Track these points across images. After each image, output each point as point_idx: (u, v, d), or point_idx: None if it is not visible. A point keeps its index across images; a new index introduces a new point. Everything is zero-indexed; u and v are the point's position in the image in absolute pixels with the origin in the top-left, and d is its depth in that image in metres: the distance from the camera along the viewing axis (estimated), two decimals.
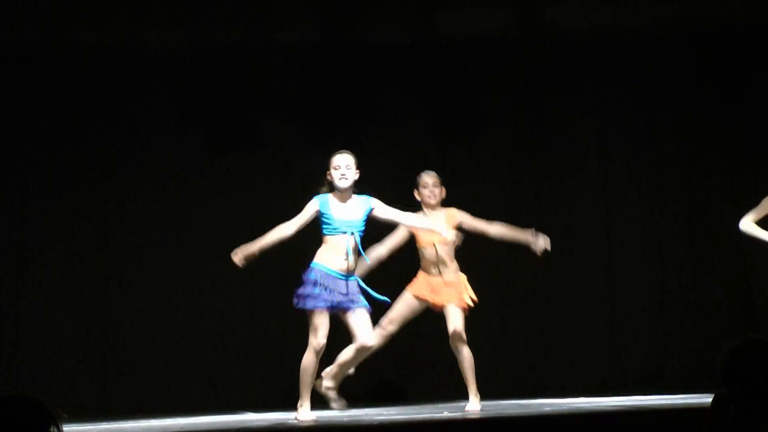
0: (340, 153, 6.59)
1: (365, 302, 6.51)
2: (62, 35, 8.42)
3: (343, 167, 6.53)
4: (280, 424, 6.51)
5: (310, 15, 8.68)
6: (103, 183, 8.63)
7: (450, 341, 6.92)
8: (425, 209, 7.07)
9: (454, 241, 6.98)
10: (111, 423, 7.26)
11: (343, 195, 6.52)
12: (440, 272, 7.02)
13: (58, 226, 8.55)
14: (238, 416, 7.47)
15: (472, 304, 6.99)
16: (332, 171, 6.53)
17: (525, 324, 8.76)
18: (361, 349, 6.48)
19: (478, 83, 8.90)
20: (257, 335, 8.64)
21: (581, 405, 7.07)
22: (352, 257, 6.44)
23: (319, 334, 6.37)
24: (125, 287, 8.60)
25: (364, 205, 6.55)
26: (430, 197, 7.05)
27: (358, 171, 6.57)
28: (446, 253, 7.02)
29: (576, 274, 8.90)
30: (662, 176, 8.95)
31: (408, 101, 8.89)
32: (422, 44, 8.84)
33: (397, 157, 8.76)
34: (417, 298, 7.05)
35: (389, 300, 6.76)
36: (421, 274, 7.09)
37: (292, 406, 7.42)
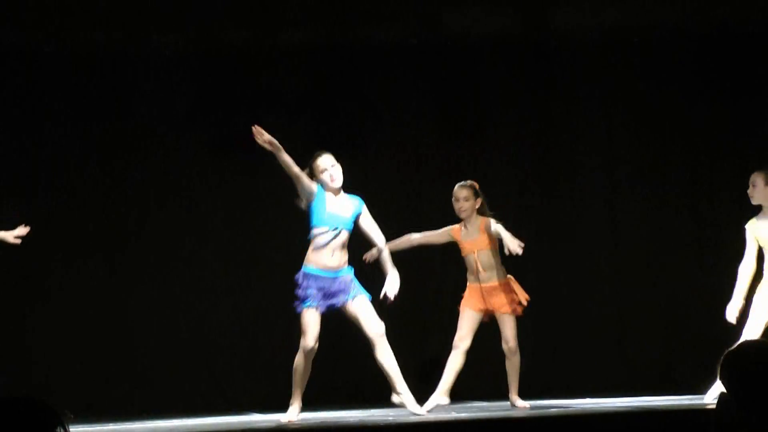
0: (326, 154, 6.66)
1: (363, 291, 6.56)
2: (67, 37, 8.43)
3: (330, 167, 6.61)
4: (286, 425, 6.51)
5: (315, 15, 8.69)
6: (109, 184, 8.65)
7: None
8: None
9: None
10: (118, 424, 7.27)
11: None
12: (479, 279, 7.16)
13: (63, 227, 8.56)
14: (245, 417, 7.48)
15: (524, 304, 7.15)
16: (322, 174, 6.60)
17: (533, 325, 8.75)
18: (376, 338, 6.50)
19: (484, 84, 8.90)
20: (264, 335, 8.64)
21: (589, 406, 7.06)
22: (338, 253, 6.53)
23: (308, 336, 6.46)
24: (131, 287, 8.61)
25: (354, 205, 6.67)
26: (458, 212, 7.23)
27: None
28: (487, 259, 7.15)
29: (583, 274, 8.90)
30: (669, 178, 8.94)
31: (413, 102, 8.89)
32: (428, 45, 8.83)
33: (402, 158, 8.77)
34: (473, 310, 7.18)
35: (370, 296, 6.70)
36: (469, 285, 7.26)
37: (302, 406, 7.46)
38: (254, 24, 8.59)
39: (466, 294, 7.28)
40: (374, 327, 6.51)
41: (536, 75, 8.93)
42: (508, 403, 7.27)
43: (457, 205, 7.22)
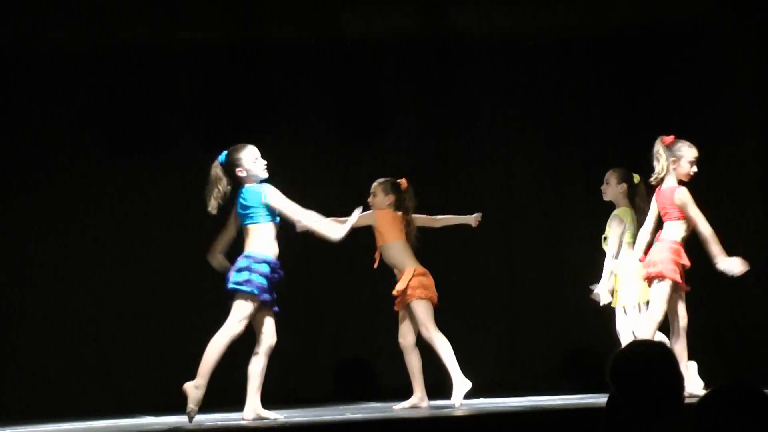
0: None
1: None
2: None
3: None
4: (178, 427, 6.45)
5: (212, 14, 8.64)
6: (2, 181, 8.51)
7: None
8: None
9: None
10: (6, 429, 7.14)
11: None
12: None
13: None
14: (137, 420, 7.39)
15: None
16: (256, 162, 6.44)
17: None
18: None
19: (382, 84, 8.94)
20: (158, 337, 8.55)
21: (477, 405, 7.11)
22: None
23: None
24: (23, 287, 8.48)
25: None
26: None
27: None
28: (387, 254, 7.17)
29: (476, 274, 8.97)
30: (564, 178, 9.06)
31: (311, 102, 8.88)
32: (326, 44, 8.84)
33: (299, 158, 8.75)
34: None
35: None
36: None
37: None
38: (151, 23, 8.51)
39: None
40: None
41: (434, 76, 8.98)
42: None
43: (369, 201, 7.25)
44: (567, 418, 5.98)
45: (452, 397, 6.99)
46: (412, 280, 7.08)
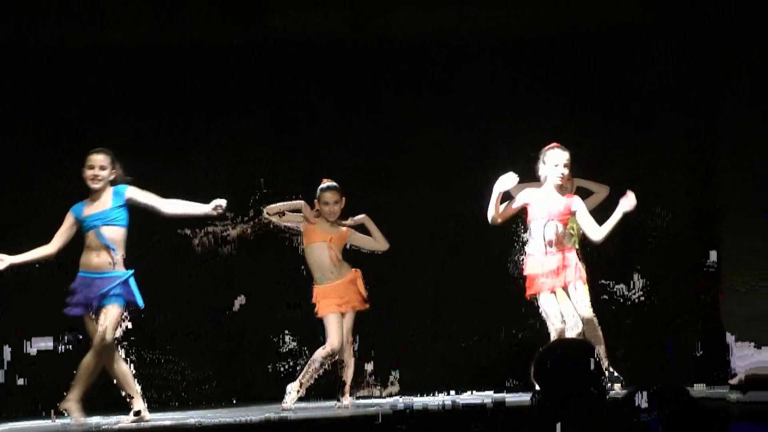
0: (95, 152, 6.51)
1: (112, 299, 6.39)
2: None
3: (97, 167, 6.45)
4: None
5: (139, 14, 8.60)
6: None
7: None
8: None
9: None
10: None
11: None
12: (331, 277, 7.24)
13: None
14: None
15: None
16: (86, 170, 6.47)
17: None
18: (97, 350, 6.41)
19: (312, 85, 8.93)
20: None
21: (406, 403, 7.11)
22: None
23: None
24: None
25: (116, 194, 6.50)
26: (329, 215, 7.26)
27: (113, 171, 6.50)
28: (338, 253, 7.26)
29: (405, 273, 8.98)
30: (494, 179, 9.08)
31: (240, 102, 8.84)
32: (254, 45, 8.82)
33: (231, 158, 8.72)
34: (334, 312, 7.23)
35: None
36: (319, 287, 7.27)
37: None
38: (78, 20, 8.48)
39: (320, 296, 7.26)
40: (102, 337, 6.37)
41: (365, 76, 8.98)
42: (330, 403, 7.31)
43: (326, 209, 7.26)
44: (494, 415, 6.00)
45: (342, 399, 7.16)
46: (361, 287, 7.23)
